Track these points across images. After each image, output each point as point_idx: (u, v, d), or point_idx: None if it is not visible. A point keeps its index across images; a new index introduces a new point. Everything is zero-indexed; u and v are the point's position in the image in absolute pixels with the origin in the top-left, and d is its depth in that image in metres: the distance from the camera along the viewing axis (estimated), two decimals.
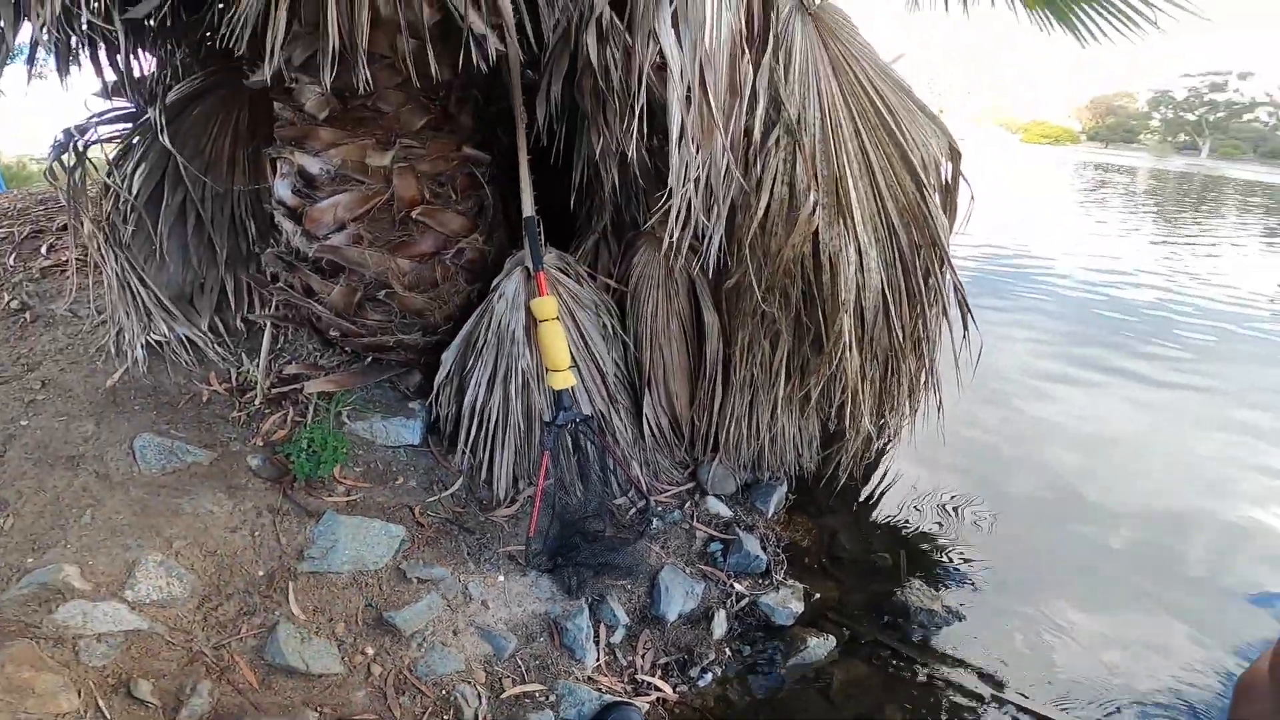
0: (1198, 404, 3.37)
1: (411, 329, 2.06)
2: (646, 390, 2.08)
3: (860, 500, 2.45)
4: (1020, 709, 1.64)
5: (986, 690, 1.69)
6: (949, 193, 1.92)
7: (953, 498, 2.46)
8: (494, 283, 1.92)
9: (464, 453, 1.94)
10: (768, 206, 1.67)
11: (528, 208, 1.84)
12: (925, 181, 1.76)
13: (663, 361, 2.06)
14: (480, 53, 1.49)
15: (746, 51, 1.68)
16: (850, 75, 1.82)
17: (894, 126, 1.80)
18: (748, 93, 1.65)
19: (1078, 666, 1.78)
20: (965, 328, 1.94)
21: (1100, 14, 2.56)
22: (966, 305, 1.94)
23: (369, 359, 2.15)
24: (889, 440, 2.23)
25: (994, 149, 28.74)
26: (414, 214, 1.90)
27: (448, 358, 1.98)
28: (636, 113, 1.49)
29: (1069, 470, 2.71)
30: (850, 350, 1.71)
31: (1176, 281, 5.87)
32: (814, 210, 1.64)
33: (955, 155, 1.89)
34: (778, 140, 1.69)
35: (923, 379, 1.96)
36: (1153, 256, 7.05)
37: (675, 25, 1.49)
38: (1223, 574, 2.18)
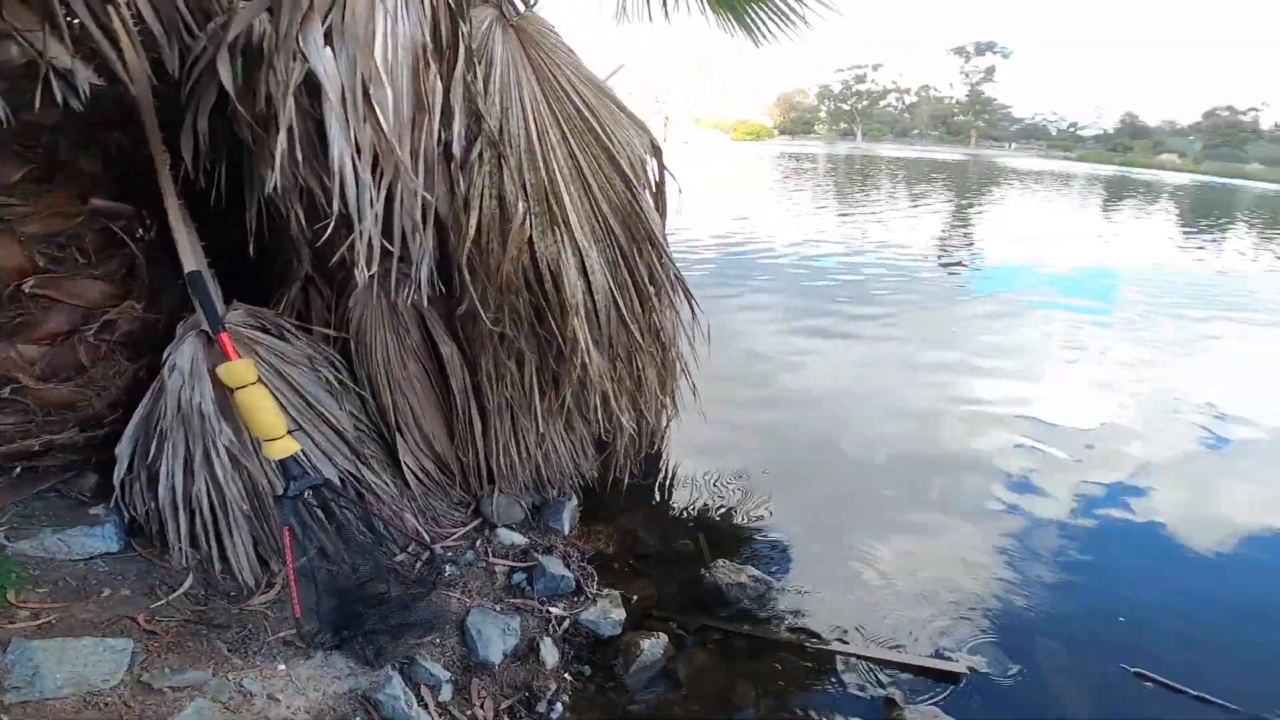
0: (898, 352, 4.10)
1: (62, 426, 1.60)
2: (399, 437, 1.89)
3: (651, 495, 2.50)
4: (855, 655, 1.74)
5: (815, 643, 1.78)
6: (659, 190, 2.04)
7: (734, 473, 2.62)
8: (164, 355, 1.56)
9: (182, 550, 1.59)
10: (479, 223, 1.61)
11: (189, 262, 1.53)
12: (635, 180, 1.85)
13: (409, 404, 1.89)
14: (69, 89, 1.19)
15: (433, 65, 1.58)
16: (555, 83, 1.83)
17: (600, 130, 1.85)
18: (439, 108, 1.56)
19: (885, 600, 1.97)
20: (694, 315, 2.08)
21: (767, 16, 2.93)
22: (689, 294, 2.07)
23: (16, 469, 1.65)
24: (661, 432, 2.32)
25: (712, 148, 32.67)
26: (25, 287, 1.46)
27: (123, 450, 1.58)
28: (280, 143, 1.30)
29: (822, 428, 3.10)
30: (590, 354, 1.72)
31: (864, 248, 7.24)
32: (524, 220, 1.61)
33: (657, 151, 2.02)
34: (481, 154, 1.63)
35: (670, 368, 2.06)
36: (842, 229, 8.59)
37: (330, 43, 1.34)
38: (958, 494, 2.61)
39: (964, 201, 13.10)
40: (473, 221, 1.60)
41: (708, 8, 2.99)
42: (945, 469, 2.79)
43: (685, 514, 2.40)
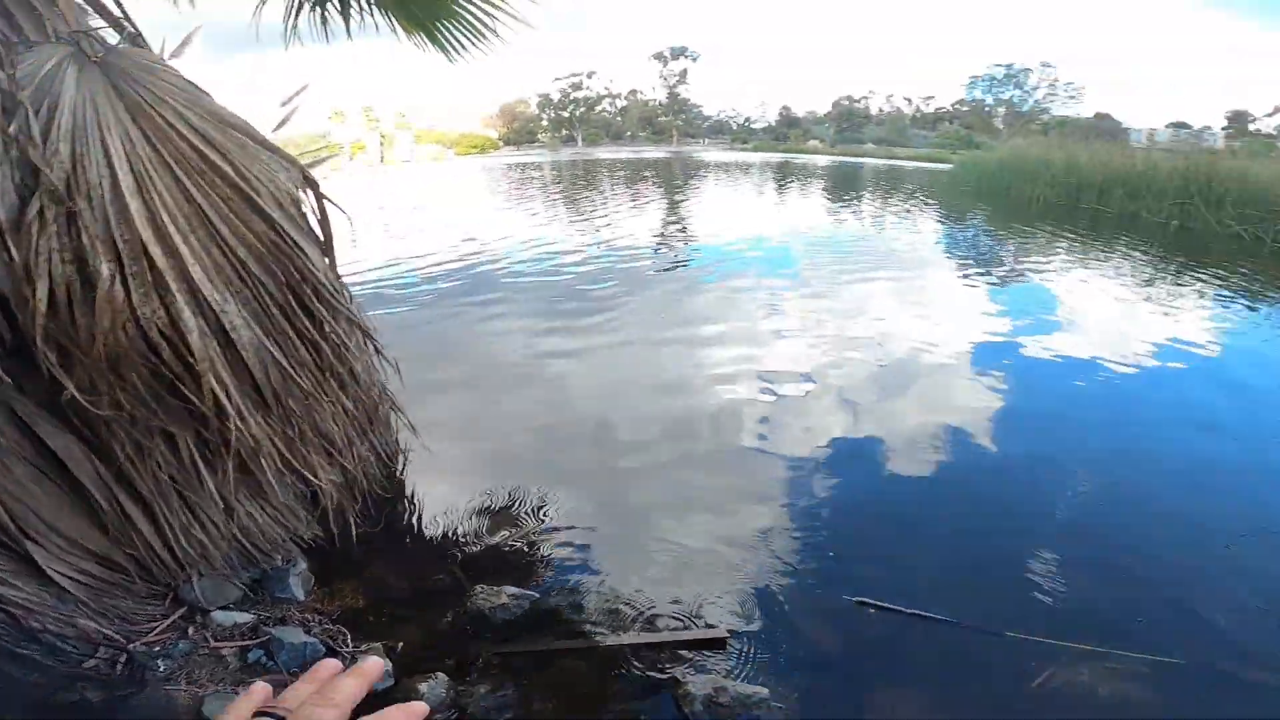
0: (640, 339, 4.43)
1: None
2: (34, 546, 1.49)
3: (398, 537, 2.36)
4: (627, 646, 1.77)
5: (589, 642, 1.79)
6: (323, 223, 1.85)
7: (493, 490, 2.55)
8: None
9: None
10: (52, 294, 1.27)
11: None
12: (280, 218, 1.64)
13: (31, 511, 1.48)
14: None
15: None
16: (161, 122, 1.58)
17: (230, 169, 1.63)
18: None
19: (654, 581, 2.04)
20: (367, 344, 1.95)
21: (460, 32, 2.87)
22: (359, 323, 1.98)
23: None
24: (400, 467, 2.12)
25: (436, 165, 31.47)
26: None
27: None
28: None
29: (582, 424, 3.20)
30: (246, 417, 1.50)
31: (595, 248, 7.64)
32: (114, 284, 1.32)
33: (310, 183, 1.83)
34: (41, 212, 1.28)
35: (373, 407, 1.91)
36: (573, 233, 8.95)
37: None
38: (723, 447, 2.89)
39: (675, 195, 14.66)
40: (41, 293, 1.26)
41: (398, 27, 2.87)
42: (702, 432, 3.08)
43: (438, 547, 2.30)
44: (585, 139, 55.75)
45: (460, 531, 2.36)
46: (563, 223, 9.81)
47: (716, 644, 1.80)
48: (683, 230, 9.26)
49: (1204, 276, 6.75)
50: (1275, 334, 4.86)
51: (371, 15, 2.83)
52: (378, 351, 2.02)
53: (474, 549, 2.27)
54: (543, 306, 5.14)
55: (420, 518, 2.46)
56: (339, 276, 2.01)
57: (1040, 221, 10.95)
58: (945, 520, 2.41)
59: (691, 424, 3.14)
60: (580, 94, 59.38)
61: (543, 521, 2.39)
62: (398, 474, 2.58)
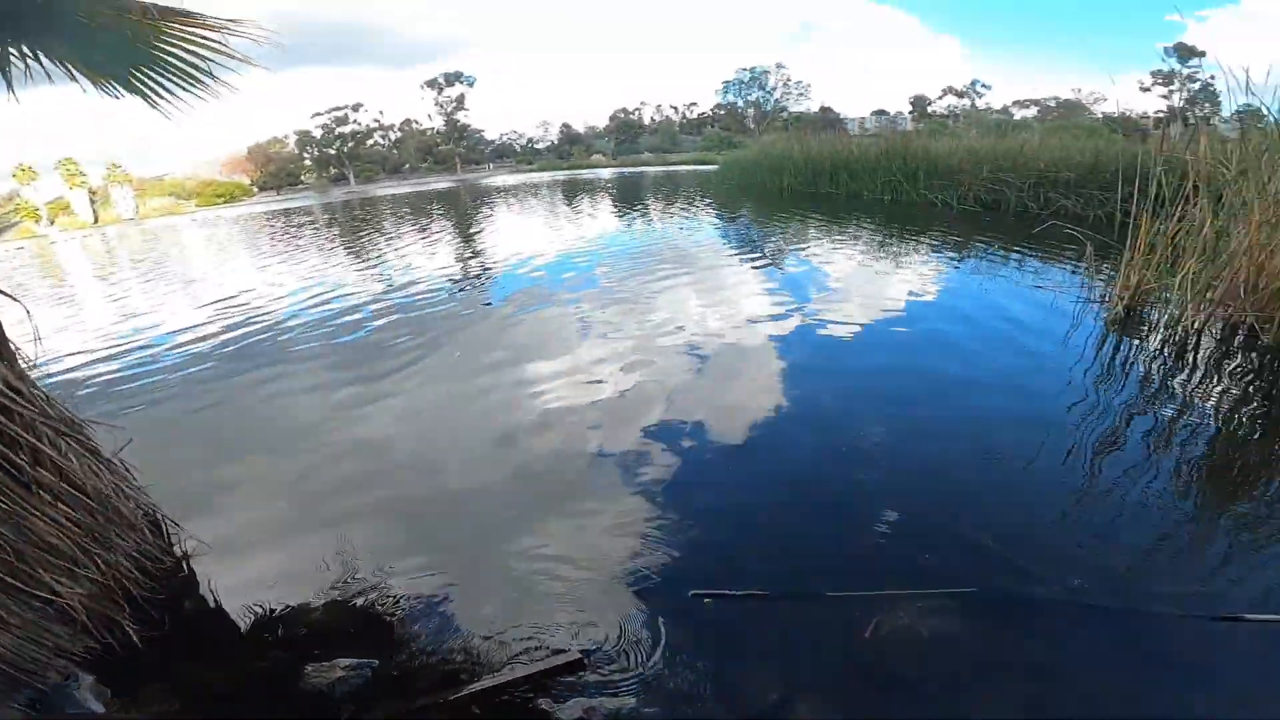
0: (458, 373, 4.17)
1: None
2: None
3: (196, 633, 2.12)
4: (489, 689, 1.70)
5: (449, 693, 1.69)
6: None
7: (296, 571, 2.30)
8: None
9: None
10: None
11: None
12: None
13: None
14: None
15: None
16: None
17: None
18: None
19: (505, 616, 1.98)
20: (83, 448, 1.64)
21: (162, 77, 2.43)
22: (61, 427, 1.79)
23: None
24: (184, 561, 2.04)
25: (176, 219, 27.01)
26: None
27: None
28: None
29: (403, 478, 2.94)
30: None
31: (391, 289, 7.08)
32: None
33: None
34: None
35: (113, 508, 1.60)
36: (364, 278, 8.22)
37: None
38: (555, 470, 2.81)
39: (466, 225, 14.23)
40: None
41: (79, 76, 2.38)
42: (531, 461, 2.98)
43: (252, 634, 2.05)
44: (359, 176, 51.91)
45: (274, 613, 2.12)
46: (347, 271, 8.96)
47: (575, 666, 1.79)
48: (480, 262, 9.02)
49: (917, 239, 8.26)
50: (975, 276, 6.13)
51: (39, 64, 2.32)
52: (99, 454, 1.86)
53: (294, 627, 2.06)
54: (335, 368, 4.62)
55: (222, 608, 2.18)
56: (23, 378, 1.88)
57: (793, 208, 12.54)
58: (765, 497, 2.60)
59: (520, 456, 3.06)
60: (347, 128, 55.15)
61: (369, 584, 2.21)
62: (180, 571, 2.32)
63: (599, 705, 1.65)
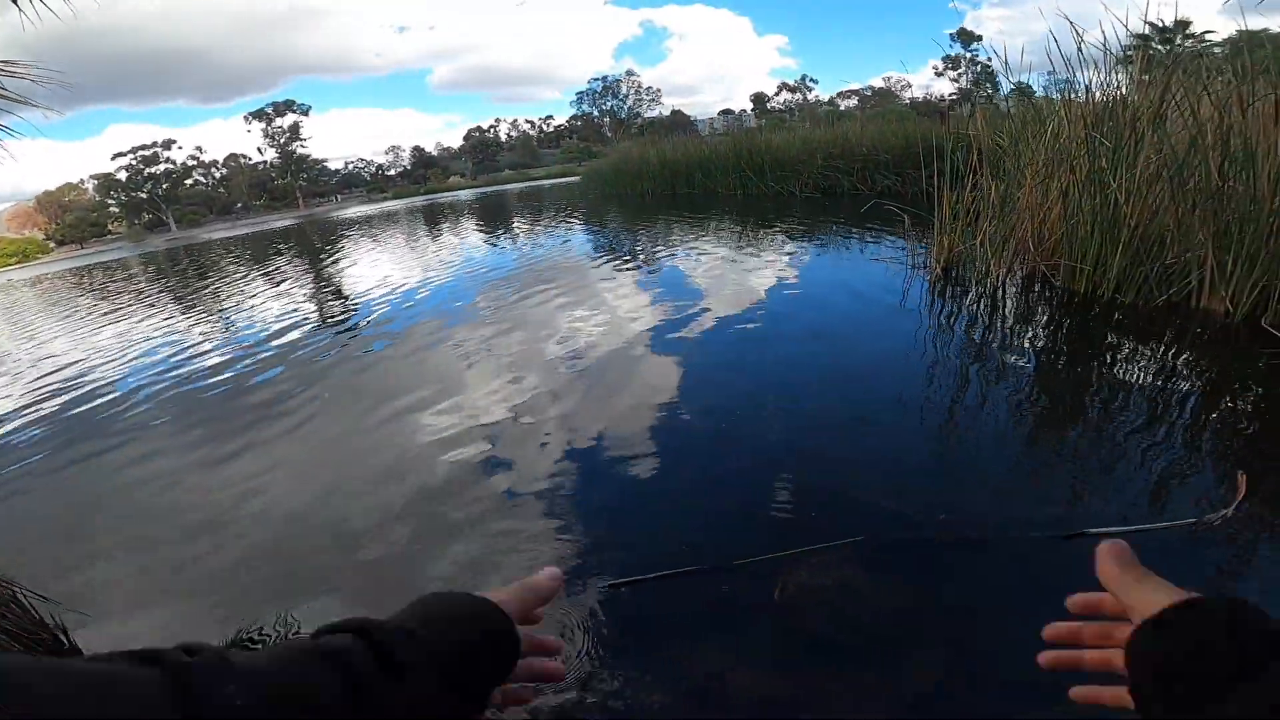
0: (339, 424, 3.83)
1: None
2: None
3: None
4: None
5: None
6: None
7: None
8: None
9: None
10: None
11: None
12: None
13: None
14: None
15: None
16: None
17: None
18: None
19: None
20: None
21: None
22: None
23: None
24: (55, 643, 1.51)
25: None
26: None
27: None
28: None
29: (294, 535, 2.67)
30: None
31: (240, 350, 6.38)
32: None
33: None
34: None
35: None
36: (205, 338, 7.36)
37: None
38: (458, 496, 2.56)
39: (319, 264, 13.26)
40: None
41: None
42: (433, 494, 2.84)
43: None
44: (180, 220, 46.36)
45: None
46: (186, 330, 7.99)
47: None
48: (341, 303, 8.44)
49: (769, 229, 8.88)
50: (821, 257, 6.70)
51: None
52: None
53: None
54: (193, 429, 4.12)
55: None
56: None
57: (654, 213, 12.98)
58: (662, 485, 2.69)
59: (414, 489, 2.90)
60: (158, 168, 48.95)
61: (277, 633, 2.07)
62: (64, 644, 2.08)
63: (543, 706, 1.63)
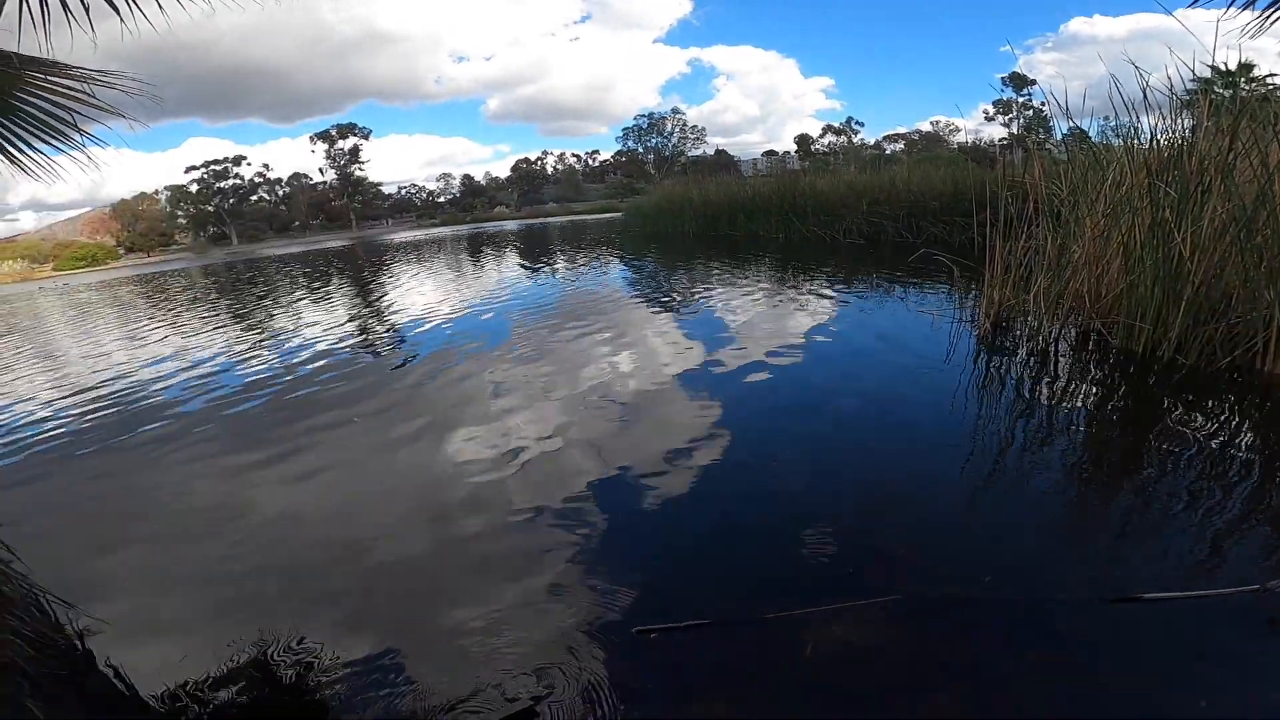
0: (378, 444, 3.88)
1: None
2: None
3: (108, 707, 1.95)
4: None
5: None
6: None
7: (213, 647, 2.02)
8: None
9: None
10: None
11: None
12: None
13: None
14: None
15: None
16: None
17: None
18: None
19: (457, 671, 1.84)
20: None
21: (24, 130, 2.18)
22: None
23: None
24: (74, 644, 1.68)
25: (27, 286, 24.11)
26: None
27: None
28: None
29: (324, 548, 2.68)
30: None
31: (282, 367, 6.59)
32: None
33: None
34: None
35: None
36: (253, 351, 7.62)
37: None
38: (486, 527, 2.60)
39: (366, 286, 13.71)
40: None
41: None
42: (460, 522, 2.82)
43: (178, 710, 1.89)
44: (242, 235, 48.67)
45: (193, 691, 1.92)
46: (237, 340, 8.30)
47: (527, 716, 1.73)
48: (385, 324, 8.67)
49: (811, 275, 8.82)
50: (864, 306, 6.59)
51: None
52: None
53: (217, 704, 1.88)
54: (231, 442, 4.20)
55: (132, 686, 1.96)
56: None
57: (695, 251, 13.08)
58: (695, 533, 2.61)
59: (442, 520, 2.88)
60: (227, 183, 51.64)
61: (295, 659, 2.02)
62: (76, 650, 2.11)
63: None
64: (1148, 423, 3.33)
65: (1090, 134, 5.12)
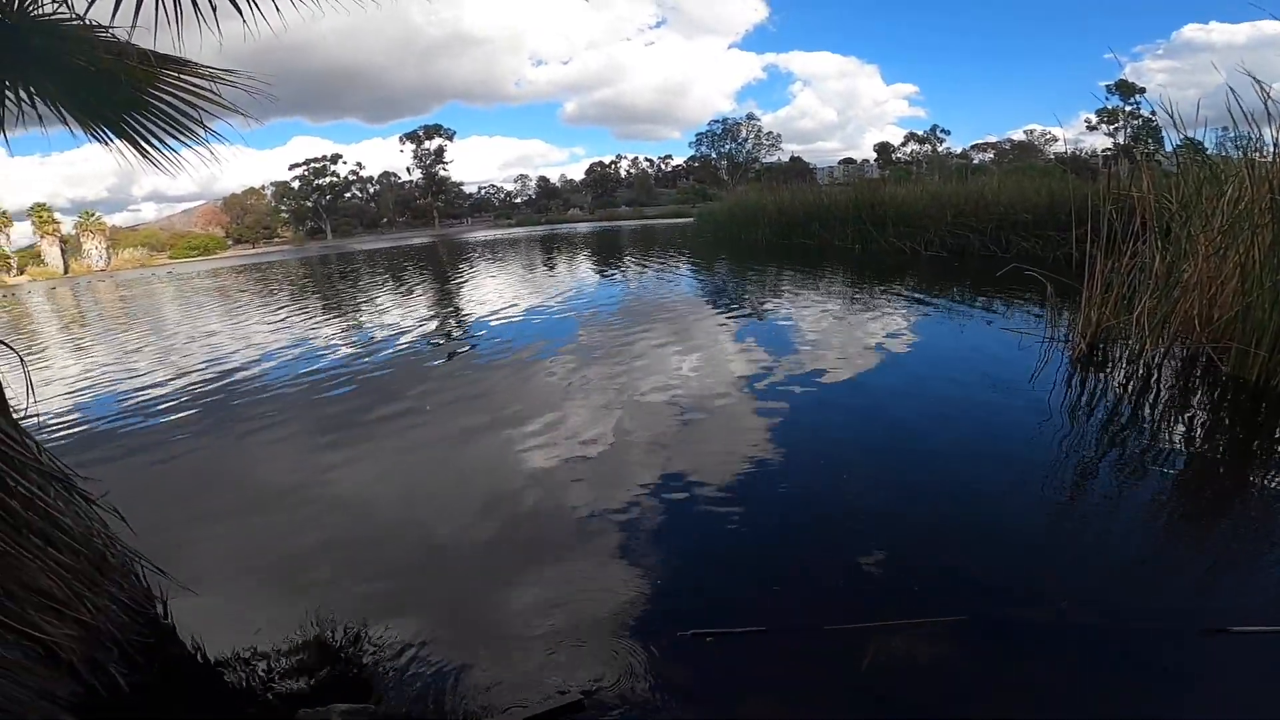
0: (436, 432, 4.08)
1: None
2: None
3: (180, 679, 2.07)
4: None
5: None
6: None
7: (282, 619, 2.14)
8: None
9: None
10: None
11: None
12: None
13: None
14: None
15: None
16: None
17: None
18: None
19: (511, 658, 1.94)
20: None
21: (154, 123, 2.39)
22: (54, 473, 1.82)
23: None
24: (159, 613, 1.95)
25: (149, 271, 26.68)
26: None
27: None
28: None
29: (390, 527, 2.87)
30: None
31: (370, 349, 7.02)
32: None
33: None
34: None
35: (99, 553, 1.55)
36: (340, 335, 8.16)
37: None
38: (548, 517, 2.72)
39: (446, 281, 14.32)
40: None
41: (69, 119, 2.34)
42: (522, 510, 2.93)
43: (238, 681, 2.00)
44: (336, 230, 51.93)
45: (263, 660, 2.05)
46: (326, 328, 8.89)
47: (575, 708, 1.74)
48: (461, 319, 9.04)
49: (889, 288, 8.51)
50: (947, 322, 6.33)
51: (32, 106, 2.29)
52: (87, 500, 1.89)
53: (283, 674, 1.99)
54: (315, 424, 4.52)
55: (205, 656, 2.10)
56: (15, 425, 1.93)
57: (767, 260, 12.89)
58: (756, 540, 2.59)
59: (505, 510, 2.99)
60: (325, 180, 55.14)
61: (358, 634, 2.14)
62: (162, 618, 2.26)
63: None
64: (1255, 454, 3.05)
65: (1207, 146, 4.70)
